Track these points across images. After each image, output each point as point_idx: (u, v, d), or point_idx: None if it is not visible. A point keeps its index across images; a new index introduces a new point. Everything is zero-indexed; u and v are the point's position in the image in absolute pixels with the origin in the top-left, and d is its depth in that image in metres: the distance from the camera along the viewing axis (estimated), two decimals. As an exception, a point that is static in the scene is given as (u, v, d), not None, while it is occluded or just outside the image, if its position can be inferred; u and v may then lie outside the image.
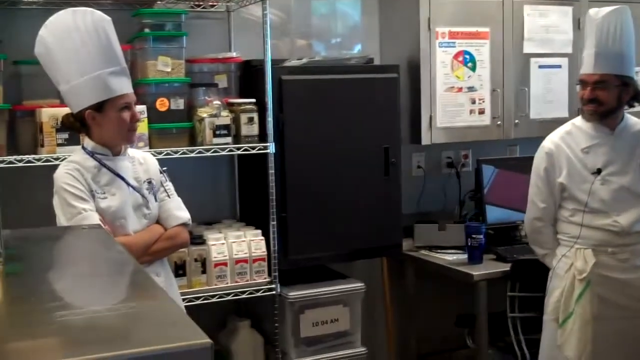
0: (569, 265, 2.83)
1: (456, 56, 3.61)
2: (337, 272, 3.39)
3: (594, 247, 2.80)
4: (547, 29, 3.79)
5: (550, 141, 2.91)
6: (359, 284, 3.28)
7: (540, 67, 3.79)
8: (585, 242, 2.81)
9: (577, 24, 3.83)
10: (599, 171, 2.80)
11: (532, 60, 3.77)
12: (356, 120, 3.26)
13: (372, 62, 3.47)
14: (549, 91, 3.81)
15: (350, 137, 3.25)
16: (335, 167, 3.23)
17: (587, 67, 2.79)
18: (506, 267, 3.26)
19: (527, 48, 3.75)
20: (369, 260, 3.66)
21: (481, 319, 3.25)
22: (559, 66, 3.83)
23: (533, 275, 3.22)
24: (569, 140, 2.87)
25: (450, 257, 3.45)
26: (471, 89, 3.64)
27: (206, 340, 0.89)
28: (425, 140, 3.56)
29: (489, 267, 3.31)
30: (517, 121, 3.74)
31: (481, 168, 3.70)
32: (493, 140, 3.80)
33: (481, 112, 3.67)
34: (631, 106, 2.88)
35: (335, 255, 3.28)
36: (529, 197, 2.98)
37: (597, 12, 2.79)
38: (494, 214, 3.68)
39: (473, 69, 3.64)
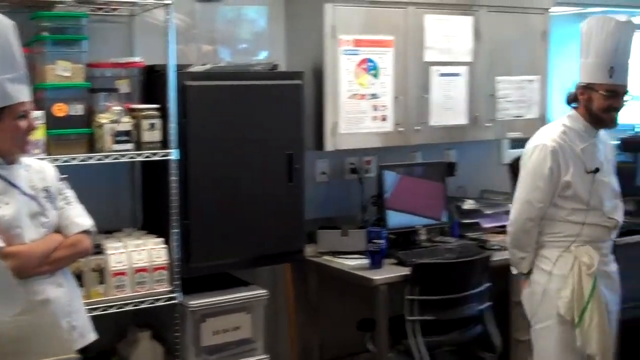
0: (571, 263, 2.87)
1: (360, 64, 3.66)
2: (240, 280, 3.39)
3: (590, 243, 2.91)
4: (447, 38, 3.89)
5: (552, 140, 2.89)
6: (262, 291, 3.29)
7: (441, 75, 3.89)
8: (583, 240, 2.90)
9: (477, 34, 3.95)
10: (596, 171, 2.90)
11: (433, 68, 3.87)
12: (260, 126, 3.27)
13: (277, 68, 3.49)
14: (449, 98, 3.92)
15: (255, 143, 3.26)
16: (239, 173, 3.23)
17: (622, 78, 2.87)
18: (406, 271, 3.34)
19: (428, 56, 3.85)
20: (273, 266, 3.68)
21: (381, 323, 3.32)
22: (459, 74, 3.94)
23: (432, 279, 3.32)
24: (567, 139, 2.91)
25: (352, 262, 3.50)
26: (374, 96, 3.70)
27: (71, 355, 0.88)
28: (329, 146, 3.60)
29: (389, 272, 3.38)
30: (418, 128, 3.83)
31: (383, 174, 3.77)
32: (396, 147, 3.87)
33: (384, 119, 3.74)
34: None
35: (238, 262, 3.28)
36: (523, 196, 2.92)
37: (623, 23, 2.85)
38: (395, 219, 3.76)
39: (376, 76, 3.71)
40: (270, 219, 3.29)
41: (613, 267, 3.02)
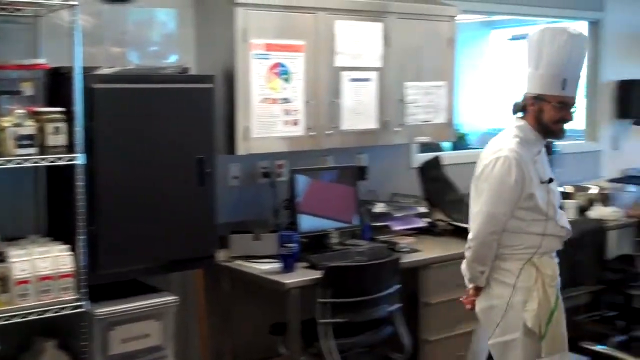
0: (534, 275, 2.84)
1: (271, 68, 3.66)
2: (149, 286, 3.34)
3: (547, 254, 2.91)
4: (357, 43, 3.94)
5: (512, 150, 2.82)
6: (172, 298, 3.24)
7: (352, 80, 3.94)
8: (542, 251, 2.87)
9: (386, 40, 4.01)
10: (550, 180, 2.90)
11: (344, 73, 3.91)
12: (171, 130, 3.23)
13: (187, 72, 3.45)
14: (360, 103, 3.97)
15: (165, 147, 3.21)
16: (149, 178, 3.18)
17: (573, 90, 2.86)
18: (318, 274, 3.36)
19: (339, 62, 3.88)
20: (185, 272, 3.64)
21: (293, 327, 3.33)
22: (369, 79, 4.00)
23: (343, 282, 3.36)
24: (525, 150, 2.85)
25: (264, 267, 3.50)
26: (286, 100, 3.72)
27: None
28: (240, 150, 3.59)
29: (301, 275, 3.40)
30: (329, 132, 3.86)
31: (295, 178, 3.79)
32: (307, 151, 3.90)
33: (295, 123, 3.75)
34: None
35: (147, 268, 3.22)
36: (486, 210, 2.83)
37: (575, 37, 2.83)
38: (307, 222, 3.79)
39: (288, 80, 3.72)
40: (181, 224, 3.25)
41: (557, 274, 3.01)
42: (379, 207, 4.13)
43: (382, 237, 4.00)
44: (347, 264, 3.44)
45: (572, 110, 2.87)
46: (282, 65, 3.70)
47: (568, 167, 5.21)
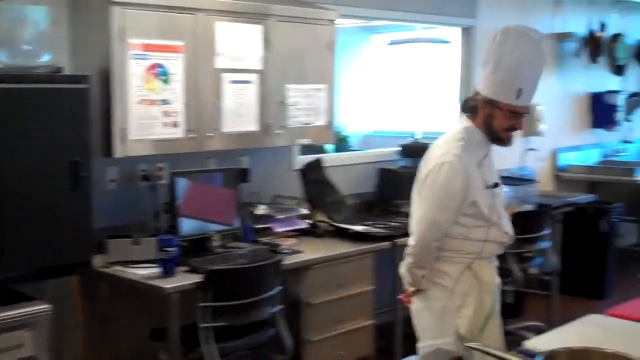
0: (472, 281, 2.76)
1: (149, 69, 3.59)
2: (22, 294, 3.19)
3: (488, 259, 2.83)
4: (237, 45, 3.93)
5: (456, 156, 2.70)
6: (45, 306, 3.11)
7: (232, 82, 3.92)
8: (482, 256, 2.79)
9: (267, 42, 4.02)
10: (495, 185, 2.80)
11: (225, 75, 3.88)
12: (43, 132, 3.11)
13: (60, 71, 3.33)
14: (240, 105, 3.95)
15: (37, 150, 3.09)
16: (19, 182, 3.04)
17: (527, 100, 2.72)
18: (199, 278, 3.32)
19: (220, 63, 3.86)
20: (61, 279, 3.50)
21: (173, 332, 3.27)
22: (250, 82, 3.99)
23: (224, 285, 3.33)
24: (470, 154, 2.74)
25: (143, 272, 3.43)
26: (165, 101, 3.65)
27: None
28: (118, 153, 3.50)
29: (181, 280, 3.35)
30: (210, 134, 3.83)
31: (175, 181, 3.74)
32: (189, 153, 3.84)
33: (175, 125, 3.69)
34: None
35: (20, 276, 3.08)
36: (429, 217, 2.73)
37: (537, 47, 2.73)
38: (188, 226, 3.74)
39: (167, 82, 3.66)
40: (54, 230, 3.14)
41: (498, 280, 2.91)
42: (261, 209, 4.14)
43: (264, 239, 4.01)
44: (228, 267, 3.42)
45: (522, 118, 2.76)
46: (161, 66, 3.63)
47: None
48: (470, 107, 2.80)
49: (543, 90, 6.34)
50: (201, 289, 3.27)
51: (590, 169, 6.93)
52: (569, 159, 6.85)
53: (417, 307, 2.90)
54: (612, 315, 2.51)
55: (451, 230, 2.74)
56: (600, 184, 6.68)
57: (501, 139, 2.77)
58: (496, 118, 2.71)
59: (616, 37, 6.94)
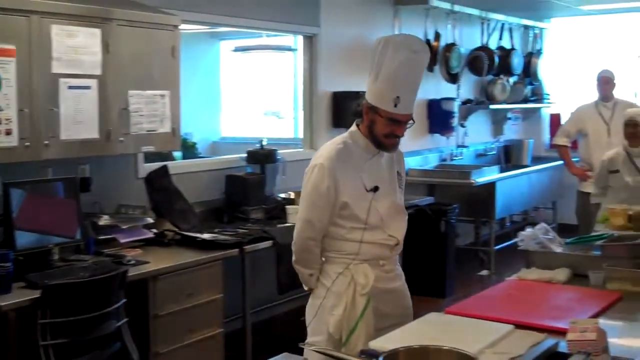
0: (348, 281, 2.78)
1: (-21, 74, 3.38)
2: None
3: (369, 261, 2.82)
4: (75, 49, 3.78)
5: (329, 159, 2.79)
6: None
7: (70, 87, 3.76)
8: (362, 258, 2.81)
9: (106, 46, 3.89)
10: (375, 189, 2.83)
11: (62, 80, 3.71)
12: None
13: None
14: (79, 112, 3.80)
15: None
16: None
17: (407, 108, 2.76)
18: (38, 293, 3.16)
19: (56, 68, 3.69)
20: None
21: (11, 351, 3.09)
22: (89, 87, 3.85)
23: (65, 300, 3.19)
24: (344, 157, 2.82)
25: (-27, 290, 3.21)
26: (-3, 108, 3.45)
27: None
28: (-57, 163, 3.27)
29: (18, 296, 3.17)
30: (47, 142, 3.65)
31: (9, 192, 3.53)
32: (24, 162, 3.64)
33: (8, 132, 3.49)
34: None
35: None
36: (303, 216, 2.83)
37: (417, 55, 2.76)
38: (25, 239, 3.55)
39: (-2, 87, 3.46)
40: None
41: (397, 283, 2.95)
42: (104, 220, 4.00)
43: (108, 251, 3.88)
44: (68, 281, 3.28)
45: (407, 125, 2.81)
46: (-8, 71, 3.43)
47: (291, 174, 5.45)
48: (358, 112, 2.91)
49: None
50: (39, 305, 3.11)
51: (428, 172, 7.24)
52: (409, 163, 7.12)
53: (307, 305, 2.96)
54: (450, 313, 2.62)
55: (330, 230, 2.84)
56: (439, 186, 6.99)
57: (383, 144, 2.84)
58: (377, 124, 2.79)
59: (450, 46, 7.30)
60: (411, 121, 2.82)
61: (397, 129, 2.80)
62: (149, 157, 4.73)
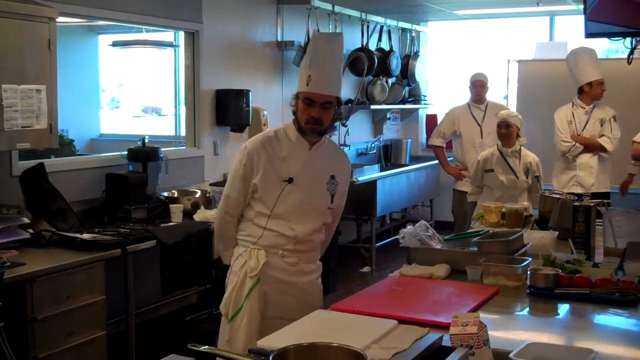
0: (242, 263, 2.98)
1: None
2: None
3: (267, 248, 2.97)
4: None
5: (253, 143, 3.00)
6: None
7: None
8: (262, 243, 2.97)
9: None
10: (290, 180, 2.93)
11: None
12: None
13: None
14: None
15: None
16: None
17: (317, 87, 2.86)
18: None
19: None
20: None
21: None
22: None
23: None
24: (270, 145, 2.98)
25: None
26: None
27: None
28: None
29: None
30: None
31: None
32: None
33: None
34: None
35: None
36: (225, 192, 3.07)
37: (324, 35, 2.94)
38: None
39: None
40: None
41: (301, 278, 3.06)
42: (-24, 220, 3.80)
43: (-20, 253, 3.69)
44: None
45: (326, 110, 2.92)
46: None
47: (174, 173, 5.38)
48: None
49: (267, 96, 6.65)
50: None
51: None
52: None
53: None
54: (336, 310, 2.66)
55: (245, 212, 3.05)
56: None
57: (305, 131, 2.98)
58: (299, 111, 2.96)
59: (332, 46, 7.39)
60: (338, 109, 2.99)
61: (312, 111, 2.93)
62: (24, 155, 4.53)
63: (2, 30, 3.85)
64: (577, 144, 5.85)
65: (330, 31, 7.29)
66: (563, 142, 5.85)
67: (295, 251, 3.02)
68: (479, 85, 6.76)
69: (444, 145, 7.03)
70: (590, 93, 5.84)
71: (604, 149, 5.83)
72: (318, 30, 7.14)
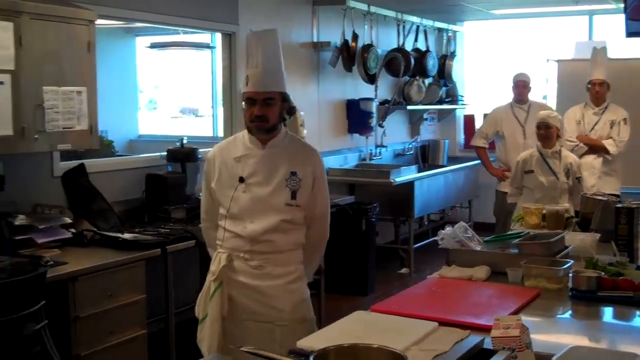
0: (214, 266, 2.99)
1: None
2: None
3: (231, 251, 2.96)
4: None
5: (215, 148, 3.09)
6: None
7: (-17, 83, 3.62)
8: (225, 246, 2.98)
9: (19, 40, 3.76)
10: (241, 180, 2.93)
11: (-27, 75, 3.58)
12: None
13: None
14: (-8, 108, 3.66)
15: None
16: None
17: (255, 85, 2.88)
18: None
19: (-34, 62, 3.55)
20: None
21: None
22: (1, 83, 3.70)
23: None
24: (227, 149, 3.04)
25: None
26: None
27: None
28: None
29: None
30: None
31: None
32: None
33: None
34: (284, 120, 3.00)
35: None
36: (201, 199, 3.18)
37: (255, 33, 2.94)
38: None
39: None
40: None
41: (264, 282, 2.96)
42: (20, 220, 3.87)
43: (25, 252, 3.75)
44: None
45: (268, 106, 2.90)
46: None
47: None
48: None
49: (303, 97, 6.66)
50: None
51: (349, 171, 7.30)
52: (329, 162, 7.17)
53: None
54: (375, 311, 2.66)
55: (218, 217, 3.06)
56: (359, 185, 7.07)
57: (251, 129, 2.98)
58: (245, 111, 2.95)
59: (368, 47, 7.38)
60: (286, 104, 2.96)
61: (254, 109, 2.90)
62: (65, 155, 4.59)
63: (43, 33, 3.91)
64: (581, 144, 5.86)
65: (365, 32, 7.29)
66: (567, 141, 5.84)
67: (255, 252, 2.95)
68: (521, 85, 6.68)
69: (487, 146, 6.97)
70: (590, 92, 5.87)
71: (607, 151, 5.82)
72: (354, 31, 7.16)
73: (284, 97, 2.97)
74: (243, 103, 2.97)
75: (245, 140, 3.00)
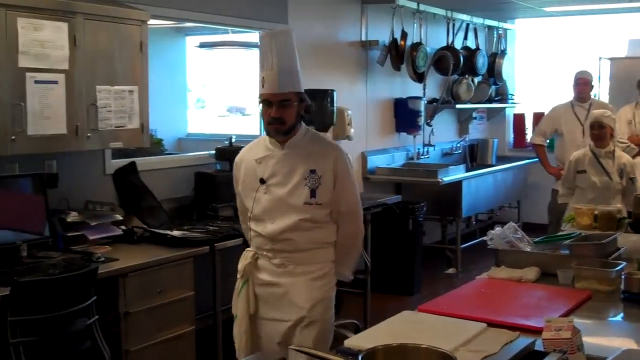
0: (242, 265, 3.07)
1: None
2: None
3: (256, 249, 3.05)
4: (42, 43, 3.71)
5: (240, 153, 3.14)
6: None
7: (37, 82, 3.69)
8: (253, 245, 3.07)
9: (74, 40, 3.83)
10: (262, 181, 2.97)
11: (28, 74, 3.65)
12: None
13: None
14: (47, 107, 3.73)
15: None
16: None
17: (271, 87, 2.89)
18: (7, 291, 3.10)
19: (22, 62, 3.62)
20: None
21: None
22: (56, 82, 3.79)
23: (35, 297, 3.14)
24: (251, 151, 3.08)
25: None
26: (-38, 103, 3.38)
27: None
28: None
29: (-15, 294, 3.12)
30: (13, 137, 3.59)
31: (-25, 188, 3.47)
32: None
33: (-27, 128, 3.43)
34: (303, 118, 3.02)
35: None
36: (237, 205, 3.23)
37: (268, 34, 2.97)
38: (-9, 236, 3.48)
39: (-36, 81, 3.39)
40: None
41: (291, 280, 3.00)
42: (73, 216, 3.94)
43: (77, 248, 3.83)
44: (38, 279, 3.23)
45: (285, 107, 2.90)
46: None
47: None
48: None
49: (351, 96, 6.64)
50: (9, 303, 3.06)
51: (396, 170, 7.27)
52: (376, 161, 7.16)
53: None
54: (423, 311, 2.64)
55: None
56: (406, 185, 7.04)
57: (269, 132, 3.00)
58: (263, 114, 2.97)
59: (416, 46, 7.34)
60: (303, 104, 2.96)
61: (271, 111, 2.91)
62: (116, 154, 4.67)
63: (96, 33, 3.98)
64: (632, 145, 5.71)
65: (414, 30, 7.25)
66: (618, 142, 5.69)
67: (277, 251, 3.00)
68: (582, 83, 6.57)
69: (545, 144, 6.87)
70: None
71: None
72: (403, 29, 7.12)
73: (301, 97, 2.97)
74: (260, 105, 2.98)
75: (266, 142, 3.03)
